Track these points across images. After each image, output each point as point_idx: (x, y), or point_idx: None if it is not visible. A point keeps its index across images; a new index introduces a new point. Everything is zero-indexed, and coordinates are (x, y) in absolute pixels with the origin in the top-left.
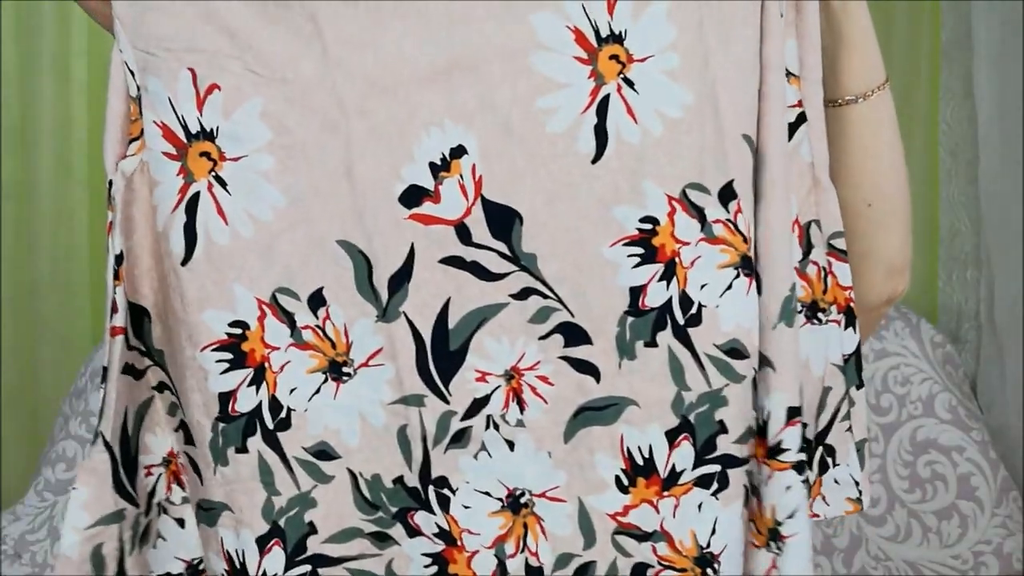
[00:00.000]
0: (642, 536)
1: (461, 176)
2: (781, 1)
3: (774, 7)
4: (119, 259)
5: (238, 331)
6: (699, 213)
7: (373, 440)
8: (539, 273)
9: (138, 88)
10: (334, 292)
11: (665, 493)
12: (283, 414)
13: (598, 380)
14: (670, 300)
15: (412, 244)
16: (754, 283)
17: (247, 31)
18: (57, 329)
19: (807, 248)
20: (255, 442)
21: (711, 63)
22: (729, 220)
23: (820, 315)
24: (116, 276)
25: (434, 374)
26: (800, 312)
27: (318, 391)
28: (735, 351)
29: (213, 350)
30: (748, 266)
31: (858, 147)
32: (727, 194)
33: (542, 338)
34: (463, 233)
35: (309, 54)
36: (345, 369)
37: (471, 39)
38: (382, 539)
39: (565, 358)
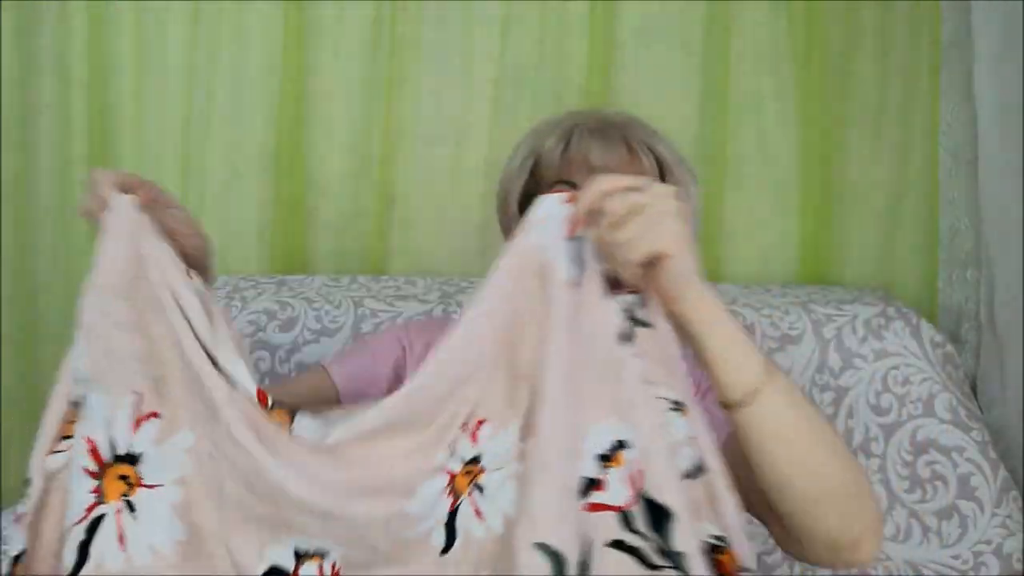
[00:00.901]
0: None
1: (626, 467)
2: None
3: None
4: (16, 558)
5: None
6: None
7: None
8: (687, 571)
9: (82, 396)
10: None
11: None
12: None
13: None
14: None
15: (588, 532)
16: None
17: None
18: (57, 329)
19: None
20: None
21: None
22: None
23: None
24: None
25: None
26: None
27: None
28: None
29: None
30: None
31: (764, 439)
32: None
33: None
34: (626, 520)
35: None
36: None
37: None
38: None
39: None
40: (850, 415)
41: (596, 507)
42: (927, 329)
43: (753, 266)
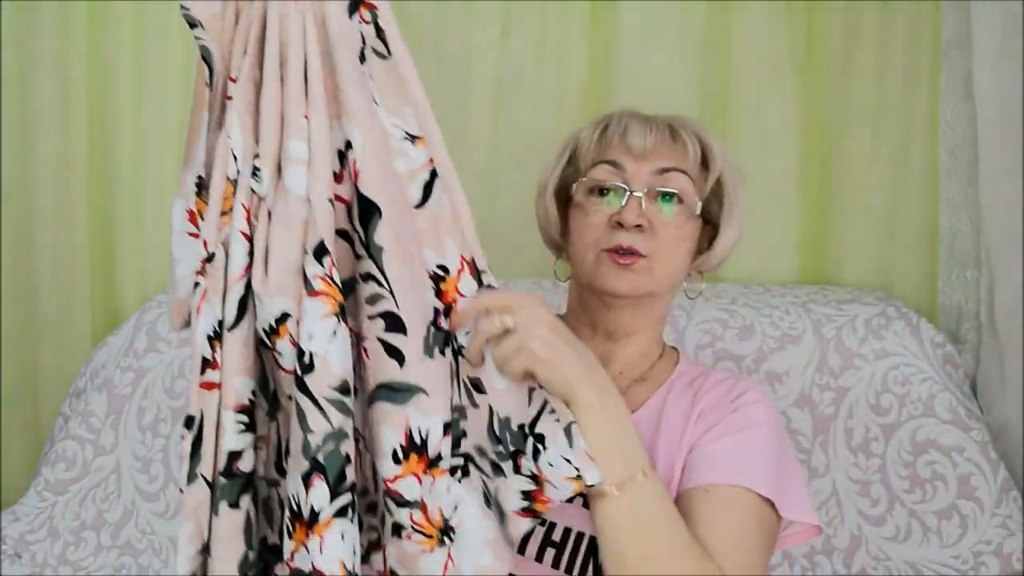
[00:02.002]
0: (402, 503)
1: (350, 165)
2: (371, 83)
3: (359, 93)
4: (220, 322)
5: None
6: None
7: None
8: (382, 264)
9: (237, 172)
10: (331, 243)
11: (428, 471)
12: (306, 359)
13: (401, 366)
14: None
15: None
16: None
17: None
18: (57, 329)
19: (478, 277)
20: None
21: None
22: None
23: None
24: (216, 336)
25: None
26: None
27: (334, 333)
28: (477, 386)
29: None
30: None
31: (602, 536)
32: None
33: (370, 318)
34: (349, 212)
35: None
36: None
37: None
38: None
39: (381, 340)
40: (850, 415)
41: (337, 197)
42: (927, 329)
43: (753, 266)
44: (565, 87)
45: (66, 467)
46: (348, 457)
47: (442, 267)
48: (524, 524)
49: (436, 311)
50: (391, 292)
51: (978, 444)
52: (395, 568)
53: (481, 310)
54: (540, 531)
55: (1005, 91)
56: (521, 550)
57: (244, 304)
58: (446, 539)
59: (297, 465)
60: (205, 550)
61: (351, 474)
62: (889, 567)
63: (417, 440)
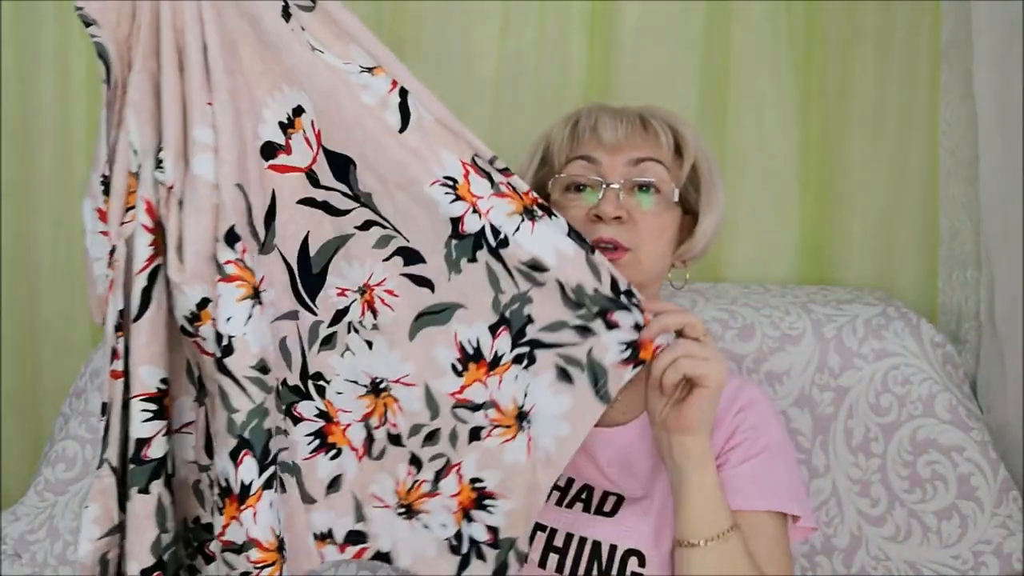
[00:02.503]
0: (475, 407)
1: (304, 131)
2: (303, 34)
3: (300, 46)
4: (121, 313)
5: None
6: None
7: (270, 353)
8: (376, 208)
9: (139, 166)
10: (241, 229)
11: (491, 373)
12: (225, 342)
13: (433, 290)
14: (483, 228)
15: (273, 190)
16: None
17: None
18: (57, 329)
19: (487, 176)
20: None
21: None
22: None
23: (535, 214)
24: (118, 328)
25: (303, 293)
26: (522, 219)
27: (250, 316)
28: (536, 266)
29: None
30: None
31: None
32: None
33: (385, 260)
34: (312, 178)
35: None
36: (260, 294)
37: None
38: (285, 433)
39: (405, 275)
40: (850, 415)
41: (282, 168)
42: (927, 329)
43: (753, 266)
44: (565, 87)
45: (66, 467)
46: (271, 432)
47: (449, 178)
48: (627, 374)
49: (455, 221)
50: (395, 229)
51: (978, 444)
52: (477, 475)
53: (674, 324)
54: (542, 537)
55: (1005, 91)
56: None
57: (148, 295)
58: (524, 424)
59: (224, 444)
60: (115, 531)
61: (274, 446)
62: (889, 567)
63: (470, 351)
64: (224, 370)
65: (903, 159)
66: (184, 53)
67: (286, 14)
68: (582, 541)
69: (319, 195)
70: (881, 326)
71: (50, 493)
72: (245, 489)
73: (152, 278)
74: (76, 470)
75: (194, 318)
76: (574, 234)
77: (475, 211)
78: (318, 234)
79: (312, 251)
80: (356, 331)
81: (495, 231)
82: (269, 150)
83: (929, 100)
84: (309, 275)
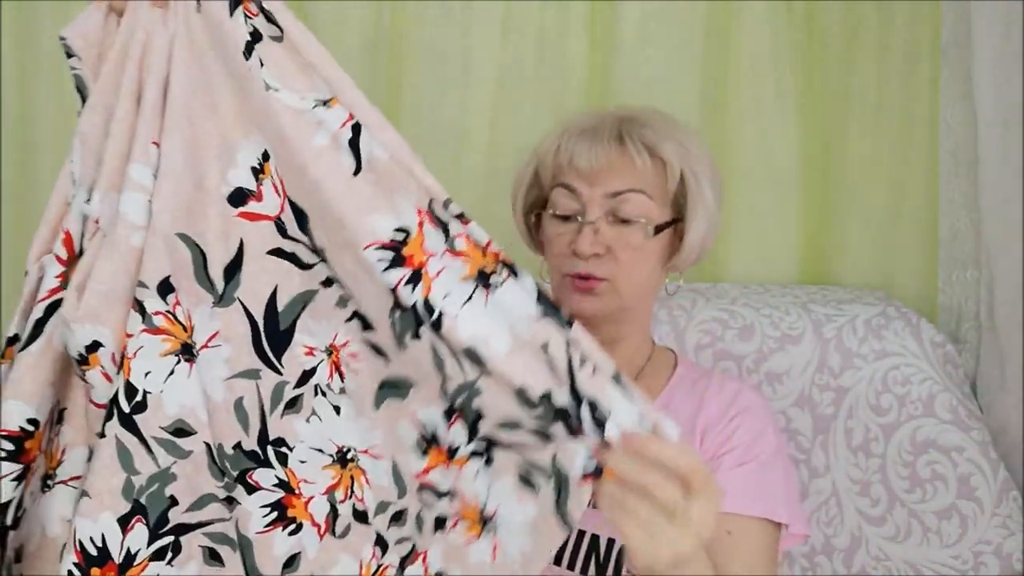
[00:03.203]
0: (439, 494)
1: (272, 176)
2: (261, 71)
3: (259, 88)
4: (11, 340)
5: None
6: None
7: (215, 413)
8: (331, 265)
9: (73, 196)
10: (178, 280)
11: (450, 462)
12: (139, 397)
13: (387, 362)
14: (415, 304)
15: (241, 239)
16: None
17: None
18: None
19: (444, 228)
20: (112, 427)
21: None
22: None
23: (492, 279)
24: (2, 355)
25: (267, 350)
26: (476, 287)
27: (172, 372)
28: (474, 356)
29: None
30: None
31: None
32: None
33: (347, 321)
34: (281, 227)
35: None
36: (194, 350)
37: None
38: (230, 502)
39: (365, 340)
40: (850, 415)
41: (252, 216)
42: (927, 329)
43: (753, 266)
44: (565, 87)
45: None
46: (174, 499)
47: (401, 230)
48: (587, 493)
49: (393, 292)
50: (349, 290)
51: (978, 444)
52: (443, 570)
53: (666, 462)
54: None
55: (1005, 91)
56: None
57: (40, 327)
58: (489, 526)
59: (113, 506)
60: None
61: (174, 517)
62: (889, 567)
63: (427, 434)
64: (131, 427)
65: (903, 159)
66: (143, 88)
67: (248, 51)
68: (580, 534)
69: (287, 246)
70: (881, 326)
71: None
72: (129, 557)
73: (50, 311)
74: None
75: (82, 360)
76: (545, 301)
77: (411, 281)
78: (287, 287)
79: (280, 305)
80: (323, 394)
81: (429, 308)
82: (239, 196)
83: (929, 100)
84: (276, 331)
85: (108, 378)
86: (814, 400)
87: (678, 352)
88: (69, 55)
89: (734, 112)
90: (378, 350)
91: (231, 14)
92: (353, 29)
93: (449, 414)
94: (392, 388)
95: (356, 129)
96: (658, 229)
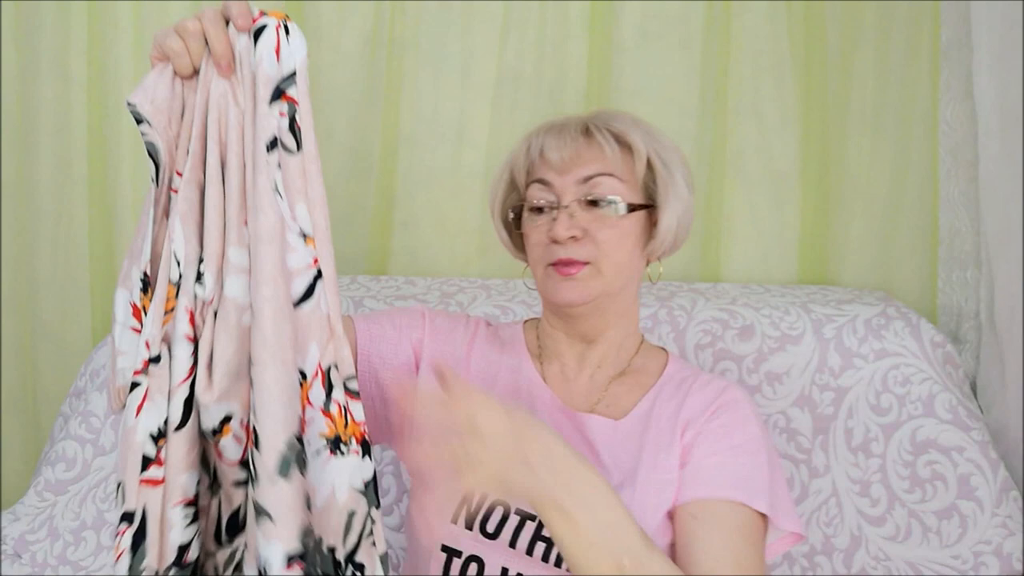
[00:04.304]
0: None
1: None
2: (277, 172)
3: (266, 180)
4: (161, 426)
5: None
6: None
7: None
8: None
9: (180, 276)
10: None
11: None
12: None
13: (254, 484)
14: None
15: None
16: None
17: None
18: (57, 329)
19: (328, 389)
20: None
21: None
22: None
23: (343, 447)
24: (158, 436)
25: None
26: (325, 447)
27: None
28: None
29: None
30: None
31: None
32: None
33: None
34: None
35: None
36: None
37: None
38: None
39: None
40: (850, 415)
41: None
42: (927, 329)
43: (753, 266)
44: (565, 87)
45: (66, 467)
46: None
47: (301, 372)
48: None
49: (301, 421)
50: (255, 408)
51: (978, 444)
52: None
53: (445, 409)
54: (532, 526)
55: (1005, 91)
56: (512, 543)
57: (189, 405)
58: None
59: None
60: None
61: None
62: (889, 567)
63: (263, 571)
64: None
65: (903, 159)
66: (227, 167)
67: (272, 143)
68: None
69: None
70: (881, 326)
71: (50, 493)
72: None
73: (193, 388)
74: (76, 470)
75: (216, 432)
76: (372, 486)
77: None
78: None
79: None
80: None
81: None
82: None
83: (929, 100)
84: None
85: (239, 440)
86: (814, 400)
87: (677, 352)
88: (138, 120)
89: (734, 112)
90: (249, 467)
91: (270, 103)
92: (353, 29)
93: (291, 559)
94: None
95: (318, 275)
96: (631, 208)
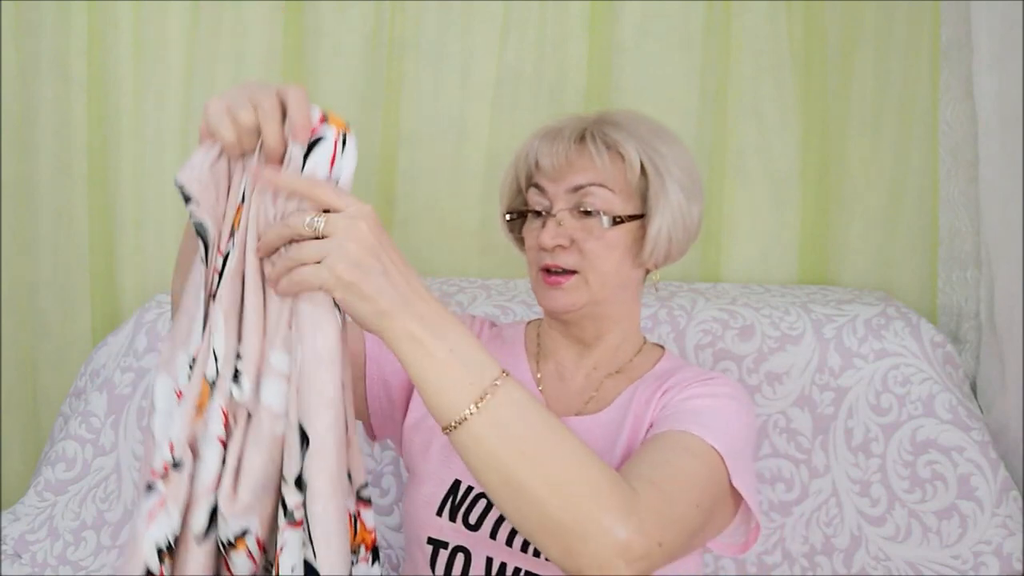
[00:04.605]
0: None
1: None
2: None
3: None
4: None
5: None
6: None
7: None
8: (305, 503)
9: (216, 373)
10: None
11: None
12: None
13: None
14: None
15: None
16: None
17: None
18: (57, 329)
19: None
20: None
21: None
22: None
23: (353, 557)
24: (169, 551)
25: None
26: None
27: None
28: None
29: None
30: None
31: (488, 456)
32: None
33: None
34: None
35: None
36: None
37: None
38: None
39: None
40: (850, 415)
41: None
42: (927, 329)
43: (753, 266)
44: (565, 87)
45: (66, 467)
46: None
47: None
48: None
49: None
50: (312, 540)
51: (978, 444)
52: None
53: (298, 193)
54: (495, 514)
55: (1005, 91)
56: (493, 535)
57: (214, 514)
58: None
59: None
60: None
61: None
62: (889, 567)
63: None
64: None
65: (903, 159)
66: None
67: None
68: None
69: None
70: (881, 326)
71: (50, 493)
72: None
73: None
74: (76, 470)
75: (230, 545)
76: None
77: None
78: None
79: None
80: None
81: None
82: None
83: (929, 100)
84: None
85: (252, 557)
86: (814, 400)
87: (677, 352)
88: (187, 199)
89: (734, 112)
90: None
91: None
92: (353, 29)
93: None
94: None
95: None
96: (616, 220)
